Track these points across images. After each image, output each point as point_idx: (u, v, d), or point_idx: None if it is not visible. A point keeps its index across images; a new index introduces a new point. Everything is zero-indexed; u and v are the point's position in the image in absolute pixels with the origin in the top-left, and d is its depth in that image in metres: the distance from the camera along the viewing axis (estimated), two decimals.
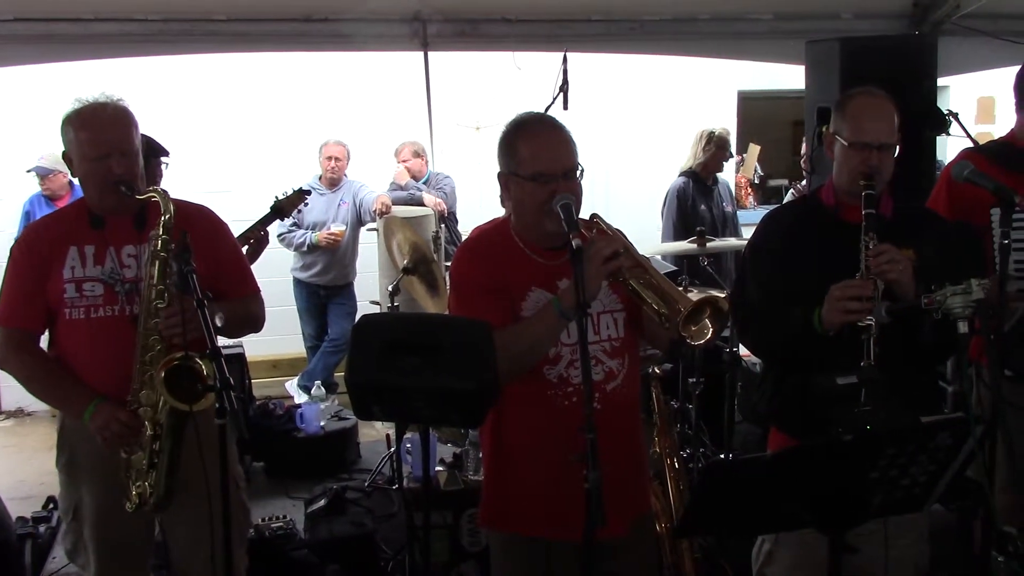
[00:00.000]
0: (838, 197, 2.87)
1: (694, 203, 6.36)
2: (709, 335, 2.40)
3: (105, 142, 2.85)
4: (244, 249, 4.46)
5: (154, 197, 2.85)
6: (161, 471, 2.86)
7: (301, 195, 4.84)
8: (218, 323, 2.64)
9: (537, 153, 2.52)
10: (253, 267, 4.46)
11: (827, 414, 2.31)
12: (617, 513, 2.46)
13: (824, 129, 2.98)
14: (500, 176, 2.64)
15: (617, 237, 2.48)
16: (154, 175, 4.29)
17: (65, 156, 2.97)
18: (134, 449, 2.86)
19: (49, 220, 3.18)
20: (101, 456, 2.92)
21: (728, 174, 7.00)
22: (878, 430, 2.13)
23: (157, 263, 2.81)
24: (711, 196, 6.47)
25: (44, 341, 3.05)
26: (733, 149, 6.93)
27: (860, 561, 2.50)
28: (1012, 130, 3.45)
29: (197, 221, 2.99)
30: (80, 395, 2.90)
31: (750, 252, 3.01)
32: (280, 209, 4.75)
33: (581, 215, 2.55)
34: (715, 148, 6.41)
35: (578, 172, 2.54)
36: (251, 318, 3.18)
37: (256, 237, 4.52)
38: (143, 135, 4.27)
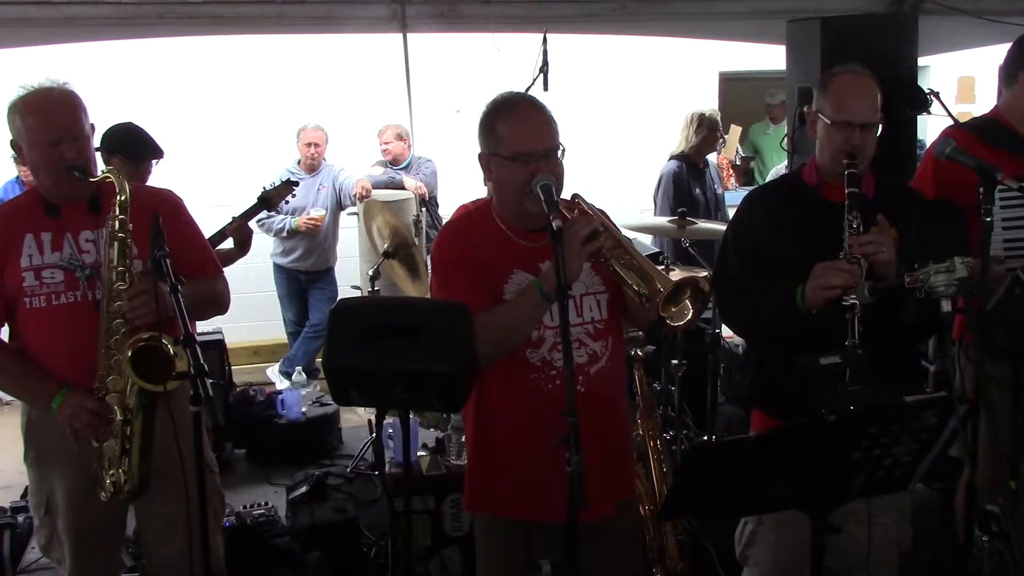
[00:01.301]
0: (820, 176, 2.86)
1: (689, 187, 6.33)
2: (689, 316, 2.38)
3: (55, 127, 2.79)
4: (229, 242, 4.48)
5: (109, 178, 2.81)
6: (134, 456, 2.82)
7: (289, 186, 4.86)
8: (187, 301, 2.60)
9: (517, 133, 2.49)
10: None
11: (810, 394, 2.29)
12: (601, 495, 2.45)
13: (806, 108, 2.96)
14: (481, 157, 2.61)
15: (598, 217, 2.45)
16: (144, 173, 4.28)
17: (13, 144, 2.91)
18: (106, 437, 2.82)
19: (1, 210, 3.10)
20: (71, 447, 2.87)
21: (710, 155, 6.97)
22: (861, 410, 2.12)
23: (116, 244, 2.77)
24: (704, 179, 6.43)
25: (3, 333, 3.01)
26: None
27: (843, 541, 2.50)
28: (997, 106, 3.43)
29: (156, 203, 2.93)
30: (46, 385, 2.85)
31: (732, 231, 2.99)
32: (267, 200, 4.74)
33: (563, 195, 2.53)
34: (707, 130, 6.37)
35: (560, 152, 2.52)
36: (216, 298, 3.13)
37: (238, 230, 4.51)
38: (142, 131, 4.30)
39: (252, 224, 4.89)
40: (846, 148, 2.72)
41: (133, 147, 4.28)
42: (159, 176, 4.36)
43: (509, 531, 2.65)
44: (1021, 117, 3.31)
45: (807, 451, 2.17)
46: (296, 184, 5.02)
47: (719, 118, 6.55)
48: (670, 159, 6.47)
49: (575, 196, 2.60)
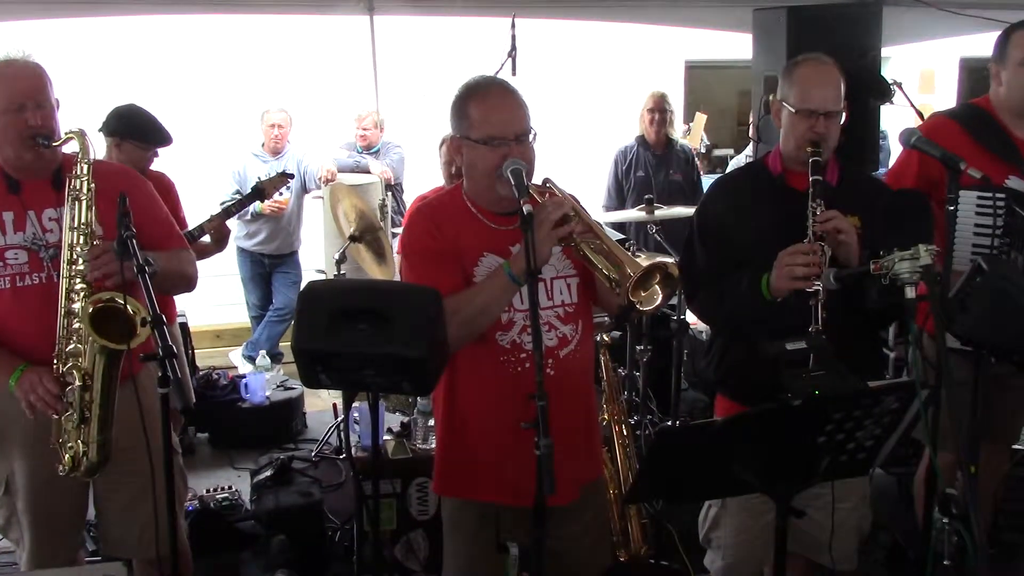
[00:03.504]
0: (785, 164, 2.89)
1: (630, 168, 6.31)
2: (659, 300, 2.40)
3: (19, 92, 2.75)
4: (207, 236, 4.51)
5: (72, 138, 2.77)
6: (93, 426, 2.74)
7: (284, 178, 4.95)
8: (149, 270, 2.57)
9: (488, 116, 2.49)
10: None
11: (775, 379, 2.33)
12: (568, 479, 2.47)
13: (771, 97, 2.99)
14: (452, 140, 2.61)
15: (568, 201, 2.46)
16: (152, 157, 4.27)
17: None
18: (64, 408, 2.76)
19: None
20: (32, 425, 2.83)
21: None
22: (826, 395, 2.15)
23: (78, 205, 2.73)
24: (658, 162, 6.39)
25: None
26: (676, 114, 6.71)
27: (805, 525, 2.54)
28: (987, 95, 3.35)
29: (118, 180, 2.89)
30: (4, 363, 2.80)
31: (698, 218, 3.01)
32: (261, 191, 4.84)
33: (534, 180, 2.54)
34: (644, 110, 6.36)
35: (531, 136, 2.52)
36: (184, 271, 3.08)
37: (217, 228, 4.58)
38: (152, 118, 4.25)
39: (216, 207, 4.90)
40: (810, 136, 2.75)
41: (150, 135, 4.29)
42: None
43: (478, 514, 2.66)
44: (1009, 113, 3.27)
45: (772, 435, 2.20)
46: (291, 176, 5.07)
47: (665, 100, 6.44)
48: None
49: (546, 180, 2.61)
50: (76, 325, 2.73)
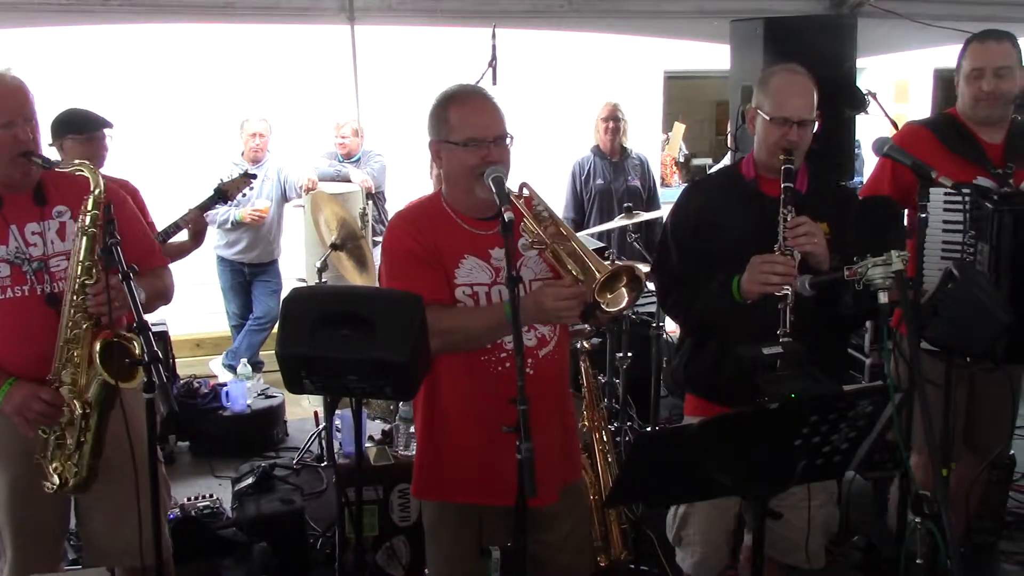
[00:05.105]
0: (758, 170, 2.95)
1: (589, 178, 6.37)
2: (625, 302, 2.44)
3: (8, 110, 2.75)
4: (183, 234, 4.46)
5: (82, 171, 2.77)
6: (87, 450, 2.78)
7: (246, 179, 4.82)
8: (142, 295, 2.59)
9: (467, 119, 2.55)
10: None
11: (744, 379, 2.37)
12: (549, 480, 2.50)
13: (747, 106, 3.05)
14: (431, 145, 2.65)
15: (543, 204, 2.52)
16: (100, 148, 4.24)
17: None
18: (53, 428, 2.79)
19: None
20: (14, 438, 2.83)
21: (654, 152, 6.97)
22: (801, 398, 2.19)
23: (85, 239, 2.74)
24: (615, 170, 6.41)
25: None
26: (625, 122, 6.59)
27: (775, 525, 2.58)
28: (956, 105, 3.48)
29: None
30: None
31: (672, 221, 3.07)
32: (223, 192, 4.68)
33: (510, 184, 2.58)
34: (598, 119, 6.42)
35: (508, 140, 2.58)
36: (163, 290, 3.12)
37: (195, 221, 4.50)
38: (83, 109, 4.23)
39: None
40: (783, 144, 2.81)
41: (79, 123, 4.23)
42: (105, 168, 4.31)
43: (459, 517, 2.69)
44: (971, 119, 3.40)
45: (748, 439, 2.23)
46: (254, 176, 4.99)
47: (618, 110, 6.44)
48: None
49: (523, 185, 2.65)
50: (74, 352, 2.75)
